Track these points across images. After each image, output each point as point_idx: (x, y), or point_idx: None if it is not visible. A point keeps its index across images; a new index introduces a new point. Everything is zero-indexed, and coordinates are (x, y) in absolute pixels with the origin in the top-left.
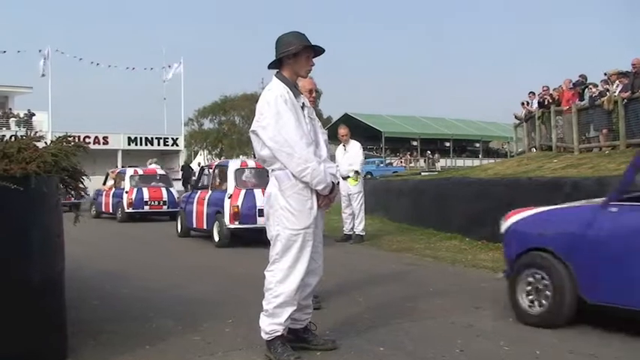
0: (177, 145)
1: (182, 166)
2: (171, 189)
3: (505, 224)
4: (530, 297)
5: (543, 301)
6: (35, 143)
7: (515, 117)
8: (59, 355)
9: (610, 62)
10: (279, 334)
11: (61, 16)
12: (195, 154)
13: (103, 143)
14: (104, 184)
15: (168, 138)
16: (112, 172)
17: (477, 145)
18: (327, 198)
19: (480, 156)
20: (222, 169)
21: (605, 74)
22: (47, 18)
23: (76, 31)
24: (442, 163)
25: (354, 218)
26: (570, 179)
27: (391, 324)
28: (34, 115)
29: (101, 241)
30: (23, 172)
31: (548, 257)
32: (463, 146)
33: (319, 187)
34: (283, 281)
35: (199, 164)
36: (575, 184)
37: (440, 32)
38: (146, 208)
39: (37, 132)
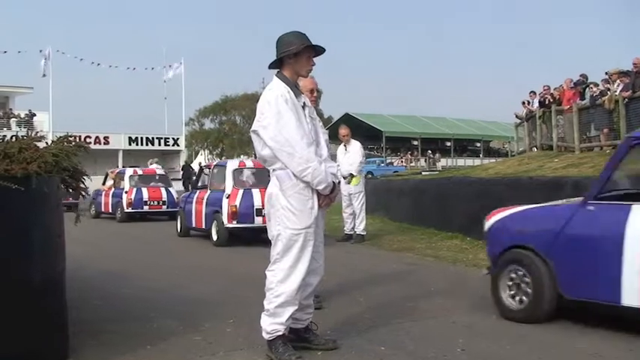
0: (178, 145)
1: (182, 166)
2: (170, 189)
3: (488, 223)
4: (512, 293)
5: (524, 297)
6: (36, 143)
7: (516, 116)
8: (60, 355)
9: (611, 62)
10: (280, 333)
11: (61, 16)
12: (196, 154)
13: (104, 143)
14: (103, 184)
15: (169, 138)
16: (112, 172)
17: (478, 144)
18: (328, 197)
19: (481, 155)
20: (221, 169)
21: (606, 73)
22: (48, 18)
23: (76, 31)
24: (443, 162)
25: (355, 218)
26: (571, 179)
27: (392, 324)
28: (34, 115)
29: (102, 241)
30: (24, 173)
31: (528, 254)
32: (464, 146)
33: (320, 187)
34: (284, 281)
35: (200, 164)
36: (576, 183)
37: (440, 32)
38: (145, 208)
39: (37, 132)
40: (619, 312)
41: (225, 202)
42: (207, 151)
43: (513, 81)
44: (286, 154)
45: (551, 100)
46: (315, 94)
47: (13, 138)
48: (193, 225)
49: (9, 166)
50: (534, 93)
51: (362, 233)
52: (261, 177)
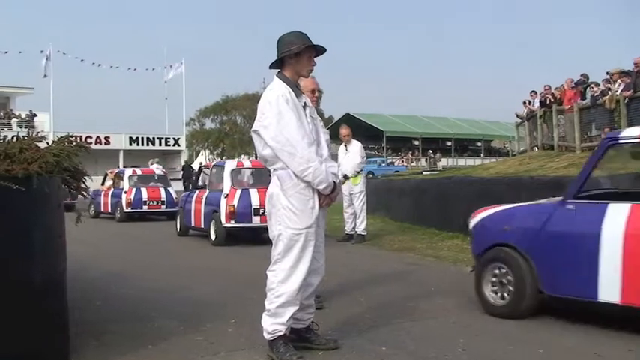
0: (178, 145)
1: (182, 167)
2: (169, 189)
3: (472, 221)
4: (495, 289)
5: (506, 294)
6: (37, 144)
7: (517, 116)
8: (62, 355)
9: (612, 61)
10: (281, 333)
11: (62, 16)
12: (197, 154)
13: (105, 143)
14: (102, 184)
15: (169, 138)
16: (111, 172)
17: (479, 144)
18: (329, 197)
19: (482, 155)
20: (219, 170)
21: (607, 73)
22: (49, 18)
23: (77, 31)
24: (444, 162)
25: (356, 218)
26: (572, 178)
27: (393, 323)
28: (35, 115)
29: (102, 241)
30: (25, 173)
31: (510, 252)
32: (465, 145)
33: (321, 187)
34: (285, 281)
35: (200, 164)
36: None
37: (441, 32)
38: (145, 208)
39: (38, 132)
40: (596, 308)
41: (223, 202)
42: (207, 151)
43: (514, 81)
44: (287, 154)
45: (552, 100)
46: (316, 94)
47: (14, 138)
48: (192, 224)
49: (10, 167)
50: (535, 92)
51: (363, 233)
52: (259, 177)
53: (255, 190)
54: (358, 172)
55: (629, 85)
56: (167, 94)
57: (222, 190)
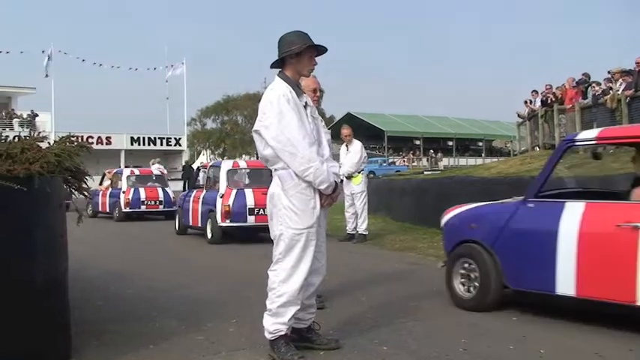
0: (180, 145)
1: (183, 167)
2: (166, 189)
3: (444, 219)
4: (463, 283)
5: (472, 288)
6: (38, 143)
7: (518, 115)
8: (63, 355)
9: (613, 61)
10: (282, 333)
11: (64, 16)
12: (198, 153)
13: (106, 143)
14: (100, 184)
15: (171, 138)
16: (109, 172)
17: (480, 143)
18: (330, 197)
19: (483, 155)
20: (216, 170)
21: (609, 72)
22: (50, 19)
23: (79, 31)
24: (445, 162)
25: (357, 217)
26: (573, 178)
27: (394, 323)
28: (37, 115)
29: (101, 241)
30: (27, 173)
31: (477, 248)
32: (466, 145)
33: (322, 187)
34: (286, 281)
35: (201, 163)
36: (579, 183)
37: (442, 31)
38: (143, 208)
39: (40, 132)
40: (554, 301)
41: (219, 202)
42: (209, 151)
43: (515, 80)
44: (288, 154)
45: (554, 99)
46: (317, 94)
47: (16, 138)
48: (190, 223)
49: (11, 167)
50: (536, 92)
51: (364, 233)
52: (255, 177)
53: (251, 190)
54: (359, 172)
55: (630, 85)
56: (168, 94)
57: (218, 190)
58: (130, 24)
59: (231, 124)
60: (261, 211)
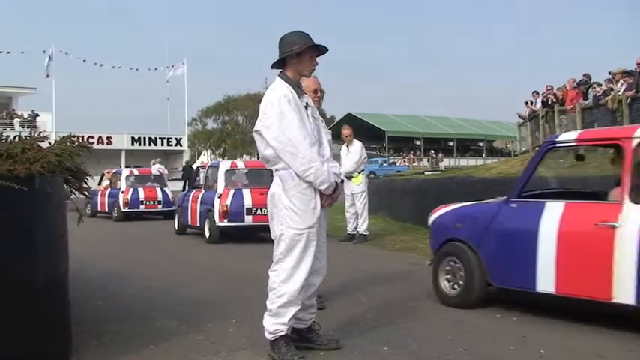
0: (180, 145)
1: (183, 167)
2: (165, 189)
3: (431, 219)
4: (449, 281)
5: (456, 286)
6: (39, 143)
7: (519, 116)
8: (63, 355)
9: (614, 61)
10: (282, 333)
11: (64, 16)
12: (199, 154)
13: (107, 143)
14: (99, 184)
15: (171, 138)
16: (108, 172)
17: (481, 144)
18: (331, 197)
19: (484, 155)
20: (214, 170)
21: (610, 73)
22: (51, 19)
23: (79, 31)
24: (446, 162)
25: (358, 218)
26: (574, 179)
27: (395, 323)
28: (37, 115)
29: (100, 240)
30: (27, 173)
31: (462, 247)
32: (467, 145)
33: (323, 187)
34: (287, 281)
35: (202, 163)
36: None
37: (442, 31)
38: (142, 208)
39: (40, 132)
40: (535, 298)
41: (216, 202)
42: (209, 152)
43: (516, 81)
44: (289, 154)
45: (554, 100)
46: (318, 94)
47: (17, 138)
48: (189, 223)
49: (12, 167)
50: (537, 93)
51: (364, 233)
52: (252, 178)
53: (248, 190)
54: (359, 173)
55: (631, 85)
56: (169, 95)
57: (216, 190)
58: (131, 24)
59: (231, 125)
60: (259, 211)
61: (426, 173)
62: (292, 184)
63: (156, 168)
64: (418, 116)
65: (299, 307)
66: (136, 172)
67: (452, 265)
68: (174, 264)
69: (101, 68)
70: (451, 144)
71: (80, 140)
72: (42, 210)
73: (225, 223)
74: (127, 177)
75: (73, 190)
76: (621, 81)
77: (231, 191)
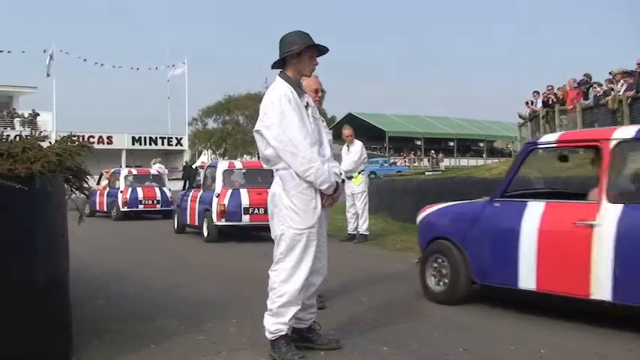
0: (181, 145)
1: (183, 167)
2: (164, 188)
3: (419, 217)
4: (436, 278)
5: (441, 283)
6: (40, 143)
7: (520, 116)
8: (64, 354)
9: (614, 62)
10: (283, 333)
11: (65, 16)
12: (200, 153)
13: (108, 143)
14: (98, 183)
15: (172, 138)
16: (106, 172)
17: (481, 144)
18: (331, 197)
19: (484, 155)
20: (212, 170)
21: (610, 73)
22: (52, 18)
23: (80, 31)
24: (446, 162)
25: (358, 218)
26: (575, 179)
27: (395, 323)
28: (38, 114)
29: (99, 240)
30: (28, 172)
31: (448, 245)
32: (467, 146)
33: (323, 187)
34: (287, 281)
35: (202, 163)
36: (581, 184)
37: (442, 31)
38: (140, 207)
39: (41, 132)
40: (517, 295)
41: (214, 201)
42: (210, 151)
43: (517, 81)
44: (289, 154)
45: (555, 100)
46: (319, 94)
47: (17, 138)
48: (188, 222)
49: (12, 166)
50: (538, 93)
51: (365, 233)
52: (250, 178)
53: (246, 190)
54: (359, 173)
55: (632, 86)
56: (170, 94)
57: (214, 190)
58: (132, 24)
59: (232, 124)
60: (256, 211)
61: (426, 173)
62: (293, 184)
63: (156, 167)
64: (418, 116)
65: (299, 307)
66: (134, 171)
67: (438, 263)
68: (174, 263)
69: (102, 68)
70: (451, 144)
71: (81, 140)
72: (42, 209)
73: (223, 222)
74: (126, 176)
75: (74, 190)
76: (622, 81)
77: (229, 191)
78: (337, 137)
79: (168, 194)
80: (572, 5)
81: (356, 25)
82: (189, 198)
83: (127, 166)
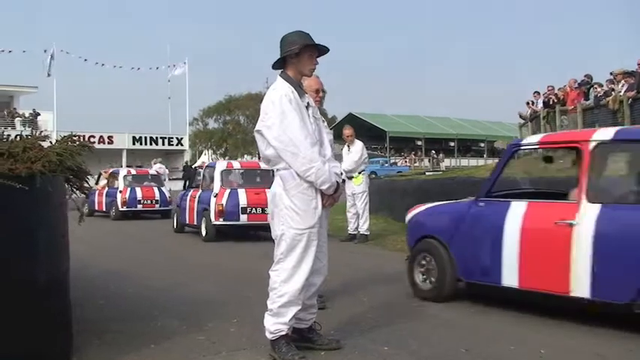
0: (181, 145)
1: (183, 167)
2: (162, 188)
3: (408, 217)
4: (423, 275)
5: (429, 281)
6: (40, 143)
7: (520, 116)
8: (64, 354)
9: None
10: (283, 333)
11: (66, 16)
12: (200, 153)
13: (108, 143)
14: (96, 183)
15: (172, 138)
16: (105, 172)
17: (482, 144)
18: (332, 197)
19: (485, 156)
20: (211, 170)
21: (611, 74)
22: (53, 18)
23: (81, 31)
24: (447, 162)
25: (359, 218)
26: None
27: (395, 323)
28: (39, 114)
29: (100, 240)
30: (28, 172)
31: (434, 243)
32: (468, 146)
33: (324, 187)
34: (288, 281)
35: (202, 163)
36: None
37: (445, 31)
38: (139, 207)
39: (42, 131)
40: (500, 292)
41: (212, 201)
42: (210, 151)
43: (517, 81)
44: (290, 154)
45: (556, 101)
46: (320, 94)
47: (18, 137)
48: (187, 222)
49: (13, 166)
50: (538, 93)
51: (365, 233)
52: (248, 178)
53: (244, 190)
54: (359, 173)
55: (632, 86)
56: (170, 94)
57: (213, 190)
58: (132, 24)
59: (233, 124)
60: (254, 210)
61: (427, 173)
62: (293, 184)
63: (156, 168)
64: (419, 116)
65: (300, 307)
66: (133, 171)
67: (426, 261)
68: (173, 263)
69: (102, 67)
70: (452, 144)
71: (81, 139)
72: (43, 209)
73: (220, 221)
74: (125, 176)
75: (74, 190)
76: (622, 82)
77: (227, 191)
78: (338, 137)
79: (167, 194)
80: (572, 5)
81: (356, 25)
82: (188, 198)
83: (127, 166)
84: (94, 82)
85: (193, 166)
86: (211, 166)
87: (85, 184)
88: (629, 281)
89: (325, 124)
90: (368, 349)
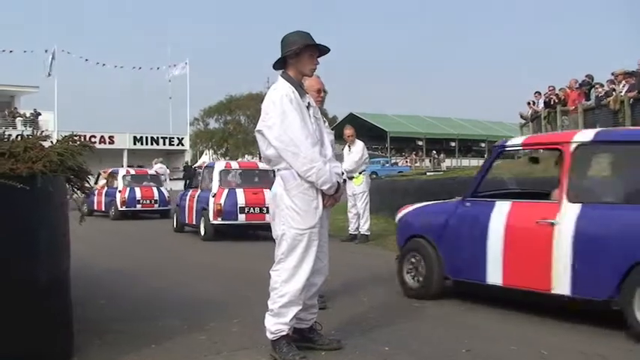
0: (182, 145)
1: (184, 167)
2: (161, 188)
3: (398, 216)
4: (412, 274)
5: (417, 280)
6: (41, 142)
7: (521, 117)
8: (65, 354)
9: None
10: (284, 333)
11: (67, 15)
12: (201, 153)
13: (109, 143)
14: (95, 183)
15: (173, 137)
16: (104, 172)
17: (483, 144)
18: (333, 197)
19: (486, 156)
20: (209, 170)
21: (612, 74)
22: (53, 18)
23: (82, 30)
24: (447, 162)
25: (359, 218)
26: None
27: (396, 323)
28: (40, 114)
29: (100, 239)
30: (29, 172)
31: (423, 243)
32: (469, 146)
33: (325, 187)
34: (289, 281)
35: (203, 163)
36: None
37: (445, 31)
38: (138, 207)
39: (43, 131)
40: (484, 289)
41: (211, 201)
42: (211, 151)
43: (518, 81)
44: (291, 154)
45: (557, 101)
46: (321, 94)
47: (19, 137)
48: (186, 221)
49: (14, 166)
50: (539, 93)
51: (366, 233)
52: (246, 178)
53: (242, 189)
54: (360, 173)
55: (633, 86)
56: (171, 94)
57: (211, 190)
58: (133, 23)
59: (233, 124)
60: (252, 210)
61: (427, 173)
62: (294, 184)
63: (157, 168)
64: (420, 116)
65: (300, 307)
66: (132, 171)
67: (416, 260)
68: (174, 262)
69: (103, 67)
70: (453, 144)
71: (82, 139)
72: (44, 209)
73: (219, 221)
74: (124, 176)
75: (75, 190)
76: (623, 82)
77: (225, 191)
78: (339, 137)
79: (166, 194)
80: (572, 5)
81: (356, 25)
82: (188, 197)
83: (128, 166)
84: (95, 82)
85: (193, 167)
86: (210, 166)
87: (86, 184)
88: (607, 279)
89: (326, 124)
90: (369, 349)
